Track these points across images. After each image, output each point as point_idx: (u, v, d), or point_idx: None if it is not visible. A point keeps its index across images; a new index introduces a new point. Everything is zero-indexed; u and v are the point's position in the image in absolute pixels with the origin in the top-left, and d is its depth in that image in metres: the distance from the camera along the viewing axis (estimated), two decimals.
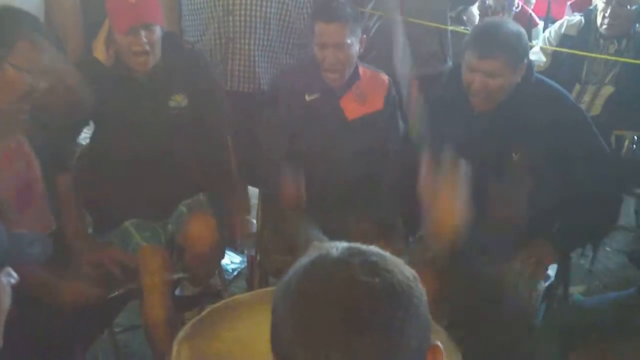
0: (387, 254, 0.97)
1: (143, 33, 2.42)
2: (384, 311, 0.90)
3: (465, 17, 4.61)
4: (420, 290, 0.96)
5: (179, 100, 2.60)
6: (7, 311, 1.25)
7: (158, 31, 2.48)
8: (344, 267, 0.93)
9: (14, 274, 1.25)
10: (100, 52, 2.52)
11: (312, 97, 2.72)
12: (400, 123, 2.86)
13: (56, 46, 2.27)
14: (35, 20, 2.24)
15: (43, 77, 2.17)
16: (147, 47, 2.44)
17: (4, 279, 1.24)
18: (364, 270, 0.92)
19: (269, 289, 2.26)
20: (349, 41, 2.62)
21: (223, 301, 2.13)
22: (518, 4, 4.85)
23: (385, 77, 2.83)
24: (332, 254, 0.96)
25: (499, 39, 2.32)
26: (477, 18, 4.84)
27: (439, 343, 0.97)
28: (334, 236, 2.64)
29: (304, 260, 0.98)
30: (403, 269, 0.96)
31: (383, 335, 0.90)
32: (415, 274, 0.97)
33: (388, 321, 0.90)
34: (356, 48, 2.67)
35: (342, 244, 0.98)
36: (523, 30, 2.43)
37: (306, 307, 0.92)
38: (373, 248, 0.98)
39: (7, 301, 1.24)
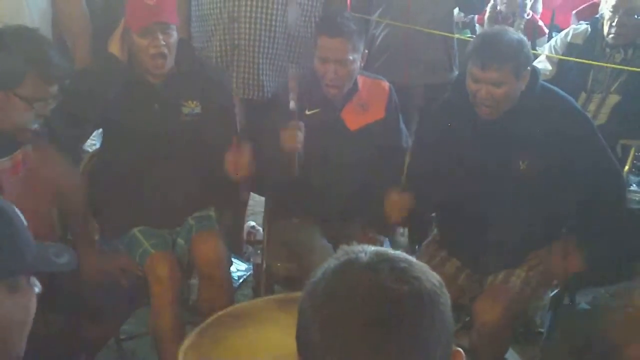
0: (414, 259, 0.97)
1: (160, 36, 2.44)
2: (411, 319, 0.91)
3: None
4: (446, 296, 0.96)
5: (192, 106, 2.60)
6: (32, 320, 1.27)
7: (175, 35, 2.50)
8: (372, 273, 0.93)
9: (38, 283, 1.27)
10: (115, 47, 2.53)
11: (312, 112, 2.70)
12: (403, 128, 2.86)
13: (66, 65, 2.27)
14: (47, 47, 2.21)
15: (51, 103, 2.19)
16: (165, 50, 2.46)
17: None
18: (392, 277, 0.92)
19: (273, 297, 2.26)
20: (351, 57, 2.61)
21: (227, 309, 2.13)
22: (529, 12, 4.84)
23: (385, 84, 2.83)
24: (360, 258, 0.96)
25: (500, 48, 2.32)
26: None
27: (460, 349, 0.97)
28: (338, 245, 2.64)
29: (332, 263, 0.98)
30: (430, 276, 0.96)
31: (409, 343, 0.90)
32: (441, 280, 0.97)
33: (414, 329, 0.91)
34: (358, 64, 2.67)
35: (371, 248, 0.98)
36: (524, 38, 2.44)
37: (333, 312, 0.93)
38: (400, 254, 0.98)
39: (34, 310, 1.26)
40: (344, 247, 1.01)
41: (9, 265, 1.20)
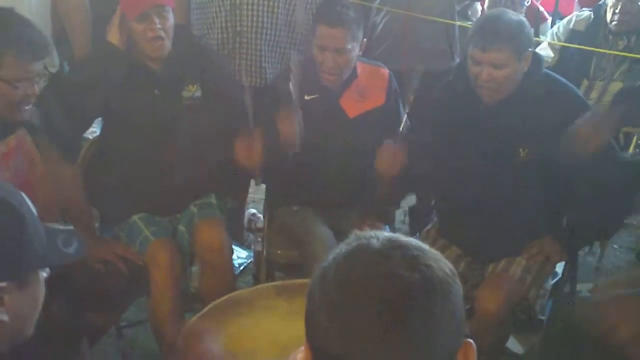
0: (427, 247, 0.96)
1: (156, 19, 2.44)
2: (421, 307, 0.90)
3: (470, 12, 4.62)
4: (458, 286, 0.95)
5: (192, 90, 2.60)
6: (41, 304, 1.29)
7: (171, 18, 2.50)
8: (384, 260, 0.92)
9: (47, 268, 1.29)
10: (113, 36, 2.52)
11: (311, 97, 2.70)
12: (403, 114, 2.84)
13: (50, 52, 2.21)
14: (20, 25, 2.13)
15: (37, 83, 2.13)
16: (162, 33, 2.46)
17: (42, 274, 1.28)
18: (404, 264, 0.91)
19: (271, 284, 2.26)
20: (349, 46, 2.59)
21: (225, 297, 2.13)
22: None
23: (385, 71, 2.81)
24: (372, 244, 0.95)
25: (500, 29, 2.31)
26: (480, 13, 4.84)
27: (471, 340, 0.96)
28: (338, 232, 2.65)
29: (343, 248, 0.97)
30: (442, 264, 0.94)
31: (418, 331, 0.89)
32: (454, 269, 0.96)
33: (424, 318, 0.90)
34: (356, 52, 2.65)
35: (383, 234, 0.97)
36: (524, 19, 2.42)
37: (342, 298, 0.92)
38: (413, 240, 0.96)
39: (43, 296, 1.28)
40: (357, 232, 0.99)
41: (21, 267, 1.21)
